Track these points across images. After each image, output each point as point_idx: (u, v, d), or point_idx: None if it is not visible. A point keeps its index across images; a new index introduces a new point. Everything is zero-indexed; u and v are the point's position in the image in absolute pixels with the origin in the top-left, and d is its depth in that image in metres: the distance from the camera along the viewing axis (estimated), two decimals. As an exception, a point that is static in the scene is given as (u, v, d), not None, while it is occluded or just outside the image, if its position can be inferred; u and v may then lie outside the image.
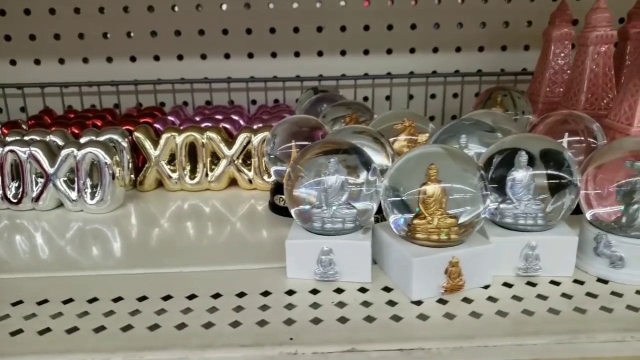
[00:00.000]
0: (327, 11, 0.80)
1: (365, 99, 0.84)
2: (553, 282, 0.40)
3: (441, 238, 0.38)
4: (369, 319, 0.35)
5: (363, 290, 0.39)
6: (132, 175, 0.63)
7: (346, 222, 0.41)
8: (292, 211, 0.41)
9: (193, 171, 0.61)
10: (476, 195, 0.38)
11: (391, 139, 0.53)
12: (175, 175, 0.61)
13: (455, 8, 0.81)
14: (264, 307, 0.37)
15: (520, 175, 0.41)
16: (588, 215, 0.41)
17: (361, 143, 0.46)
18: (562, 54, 0.70)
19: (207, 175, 0.61)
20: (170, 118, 0.70)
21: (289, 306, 0.37)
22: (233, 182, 0.63)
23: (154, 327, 0.35)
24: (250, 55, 0.82)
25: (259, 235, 0.50)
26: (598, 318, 0.35)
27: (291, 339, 0.33)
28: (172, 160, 0.62)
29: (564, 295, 0.38)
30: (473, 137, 0.48)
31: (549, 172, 0.40)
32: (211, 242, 0.49)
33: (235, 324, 0.35)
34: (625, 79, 0.56)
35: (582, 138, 0.52)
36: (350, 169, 0.41)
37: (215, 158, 0.61)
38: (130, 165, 0.62)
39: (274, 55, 0.83)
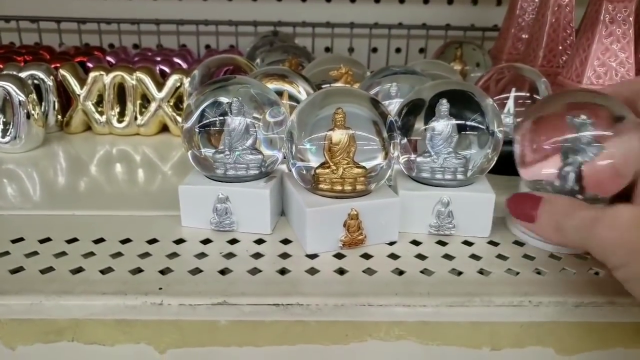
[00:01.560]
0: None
1: (327, 49, 0.80)
2: (466, 242, 0.37)
3: (345, 189, 0.35)
4: (254, 271, 0.33)
5: (260, 241, 0.36)
6: (60, 116, 0.59)
7: (250, 168, 0.38)
8: (189, 154, 0.38)
9: (122, 114, 0.58)
10: (386, 144, 0.35)
11: (325, 87, 0.50)
12: (102, 118, 0.58)
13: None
14: (144, 255, 0.34)
15: (440, 126, 0.38)
16: (521, 173, 0.38)
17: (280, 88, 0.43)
18: (529, 9, 0.66)
19: (136, 118, 0.57)
20: (108, 58, 0.66)
21: (172, 255, 0.34)
22: (166, 128, 0.59)
23: (17, 270, 0.32)
24: (204, -3, 0.77)
25: (174, 182, 0.47)
26: (500, 281, 0.32)
27: (160, 288, 0.30)
28: (100, 102, 0.58)
29: (472, 256, 0.35)
30: (404, 86, 0.45)
31: (465, 122, 0.37)
32: (124, 187, 0.45)
33: (107, 271, 0.32)
34: (579, 33, 0.51)
35: (527, 94, 0.48)
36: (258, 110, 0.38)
37: (146, 101, 0.58)
38: (57, 105, 0.58)
39: (229, -2, 0.78)
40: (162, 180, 0.47)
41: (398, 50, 0.80)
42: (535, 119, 0.36)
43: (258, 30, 0.75)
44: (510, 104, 0.49)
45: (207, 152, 0.37)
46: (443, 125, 0.37)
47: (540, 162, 0.35)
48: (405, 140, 0.38)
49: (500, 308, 0.30)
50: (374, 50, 0.79)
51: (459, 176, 0.38)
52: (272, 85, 0.43)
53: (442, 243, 0.37)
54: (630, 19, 0.47)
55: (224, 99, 0.37)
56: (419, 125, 0.37)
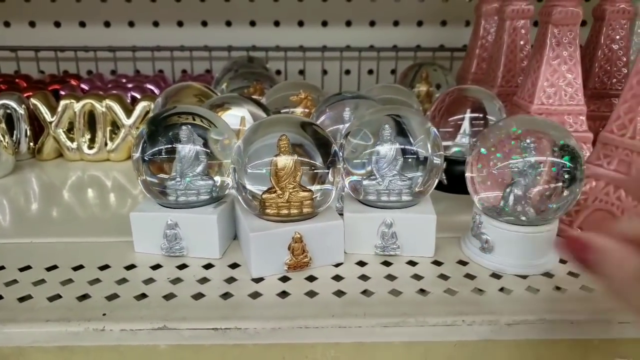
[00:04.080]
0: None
1: (301, 72, 0.81)
2: (410, 262, 0.38)
3: (292, 212, 0.36)
4: (198, 295, 0.33)
5: (209, 266, 0.37)
6: (32, 144, 0.60)
7: (201, 194, 0.39)
8: (140, 181, 0.39)
9: (92, 141, 0.59)
10: (332, 168, 0.36)
11: (284, 111, 0.51)
12: (73, 145, 0.59)
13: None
14: (94, 281, 0.35)
15: (384, 149, 0.39)
16: (472, 196, 0.39)
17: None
18: (492, 30, 0.68)
19: (106, 144, 0.59)
20: (83, 85, 0.68)
21: (121, 281, 0.35)
22: (136, 154, 0.61)
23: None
24: (180, 24, 0.79)
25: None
26: (438, 301, 0.33)
27: (104, 314, 0.31)
28: (71, 129, 0.59)
29: (414, 276, 0.36)
30: (358, 111, 0.46)
31: (404, 147, 0.38)
32: (87, 213, 0.47)
33: (54, 298, 0.33)
34: (530, 55, 0.53)
35: (480, 115, 0.49)
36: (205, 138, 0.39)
37: (116, 128, 0.59)
38: (29, 133, 0.60)
39: (204, 24, 0.80)
40: (131, 204, 0.48)
41: (370, 72, 0.81)
42: (481, 146, 0.37)
43: (232, 55, 0.77)
44: (465, 125, 0.51)
45: (155, 180, 0.38)
46: (387, 149, 0.39)
47: (487, 187, 0.37)
48: (349, 165, 0.39)
49: (434, 328, 0.31)
50: (347, 72, 0.81)
51: (404, 197, 0.39)
52: (226, 112, 0.44)
53: (387, 263, 0.38)
54: (576, 41, 0.48)
55: (173, 128, 0.38)
56: (364, 149, 0.39)
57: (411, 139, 0.38)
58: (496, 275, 0.36)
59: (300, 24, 0.79)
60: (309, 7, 0.78)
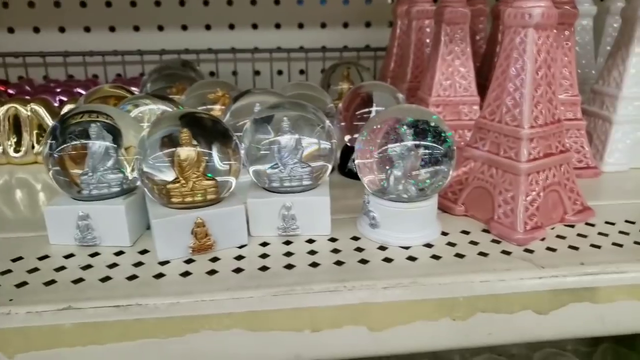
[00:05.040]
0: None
1: (234, 73, 0.84)
2: (309, 241, 0.41)
3: (196, 199, 0.40)
4: (105, 279, 0.36)
5: (119, 253, 0.40)
6: (-41, 149, 0.61)
7: (112, 187, 0.42)
8: (51, 177, 0.41)
9: (19, 144, 0.61)
10: (231, 158, 0.40)
11: (201, 108, 0.54)
12: (-1, 148, 0.60)
13: (318, -17, 0.82)
14: (6, 272, 0.37)
15: (284, 140, 0.43)
16: (362, 179, 0.43)
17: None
18: (405, 29, 0.72)
19: (33, 147, 0.60)
20: (10, 91, 0.69)
21: (33, 270, 0.37)
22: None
23: None
24: (112, 29, 0.81)
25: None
26: (326, 271, 0.37)
27: (11, 300, 0.34)
28: (-2, 133, 0.60)
29: (310, 252, 0.39)
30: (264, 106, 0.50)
31: (301, 137, 0.42)
32: (11, 212, 0.48)
33: (-35, 288, 0.35)
34: (430, 49, 0.58)
35: (380, 109, 0.54)
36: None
37: (43, 131, 0.61)
38: (-45, 138, 0.61)
39: (136, 28, 0.81)
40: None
41: (301, 72, 0.85)
42: (365, 134, 0.41)
43: (164, 58, 0.80)
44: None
45: (65, 175, 0.40)
46: (287, 139, 0.42)
47: (372, 170, 0.41)
48: (253, 155, 0.42)
49: (319, 294, 0.35)
50: (279, 72, 0.85)
51: (305, 182, 0.42)
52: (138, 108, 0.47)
53: (288, 243, 0.41)
54: (467, 38, 0.53)
55: (83, 125, 0.41)
56: (266, 140, 0.42)
57: (309, 130, 0.42)
58: (382, 248, 0.40)
59: (231, 27, 0.82)
60: (239, 11, 0.81)
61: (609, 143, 0.57)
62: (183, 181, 0.39)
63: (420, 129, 0.39)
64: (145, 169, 0.39)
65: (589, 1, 0.65)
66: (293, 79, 0.83)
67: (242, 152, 0.41)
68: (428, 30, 0.63)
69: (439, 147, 0.39)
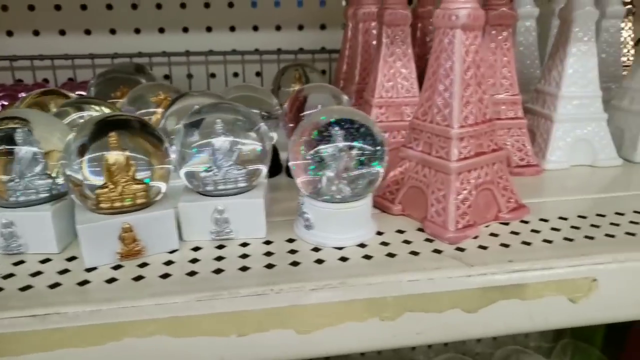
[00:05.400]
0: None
1: (189, 76, 0.84)
2: (243, 244, 0.41)
3: (125, 204, 0.39)
4: (26, 288, 0.35)
5: (46, 260, 0.39)
6: None
7: (40, 193, 0.40)
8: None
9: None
10: (160, 162, 0.39)
11: (143, 111, 0.53)
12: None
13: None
14: None
15: (218, 142, 0.42)
16: (296, 181, 0.43)
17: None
18: (355, 32, 0.73)
19: (-29, 154, 0.59)
20: (-49, 97, 0.67)
21: (-49, 280, 0.36)
22: None
23: None
24: (63, 33, 0.80)
25: None
26: (255, 275, 0.36)
27: None
28: None
29: (243, 255, 0.39)
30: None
31: (236, 139, 0.41)
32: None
33: None
34: (374, 53, 0.58)
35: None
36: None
37: (-17, 137, 0.59)
38: None
39: (87, 32, 0.80)
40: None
41: (258, 74, 0.85)
42: (298, 136, 0.41)
43: (116, 62, 0.78)
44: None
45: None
46: (221, 141, 0.42)
47: (305, 171, 0.41)
48: (186, 158, 0.42)
49: (245, 298, 0.34)
50: (235, 74, 0.84)
51: (240, 184, 0.42)
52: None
53: (222, 247, 0.41)
54: (408, 39, 0.54)
55: (6, 132, 0.40)
56: (199, 143, 0.42)
57: (243, 132, 0.42)
58: (317, 249, 0.40)
59: (185, 30, 0.82)
60: (193, 14, 0.81)
61: (550, 141, 0.58)
62: (112, 186, 0.39)
63: (351, 130, 0.39)
64: (70, 174, 0.38)
65: (531, 3, 0.66)
66: (248, 81, 0.83)
67: (174, 155, 0.41)
68: (374, 32, 0.63)
69: (370, 147, 0.39)
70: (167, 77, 0.82)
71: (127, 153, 0.39)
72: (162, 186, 0.40)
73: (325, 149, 0.39)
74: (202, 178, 0.42)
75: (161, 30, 0.81)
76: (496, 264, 0.38)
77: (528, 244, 0.40)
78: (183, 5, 0.80)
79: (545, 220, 0.44)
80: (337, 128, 0.39)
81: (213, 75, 0.83)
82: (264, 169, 0.42)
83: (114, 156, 0.39)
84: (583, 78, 0.57)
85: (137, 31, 0.81)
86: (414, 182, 0.44)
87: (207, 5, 0.81)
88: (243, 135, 0.42)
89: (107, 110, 0.48)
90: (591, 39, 0.57)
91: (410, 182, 0.44)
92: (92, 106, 0.48)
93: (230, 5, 0.81)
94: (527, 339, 1.08)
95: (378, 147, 0.40)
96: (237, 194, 0.42)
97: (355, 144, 0.39)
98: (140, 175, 0.39)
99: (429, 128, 0.42)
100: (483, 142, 0.42)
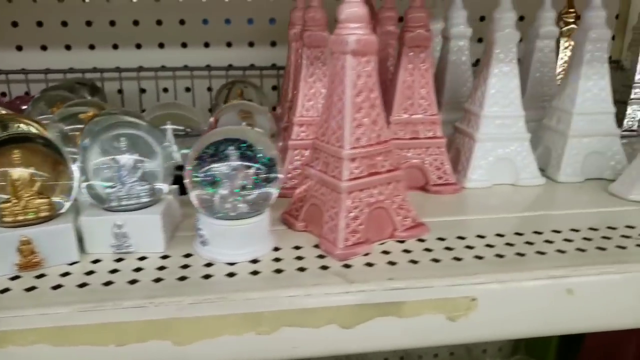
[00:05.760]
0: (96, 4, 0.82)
1: (143, 90, 0.86)
2: (142, 258, 0.43)
3: (28, 218, 0.41)
4: None
5: (-52, 271, 0.41)
6: None
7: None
8: None
9: None
10: (64, 177, 0.41)
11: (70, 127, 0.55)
12: None
13: (223, 4, 0.84)
14: None
15: (123, 159, 0.44)
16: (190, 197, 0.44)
17: None
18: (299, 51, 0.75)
19: None
20: None
21: None
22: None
23: None
24: (20, 48, 0.82)
25: None
26: (141, 287, 0.38)
27: None
28: None
29: (137, 269, 0.41)
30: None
31: (140, 157, 0.43)
32: None
33: None
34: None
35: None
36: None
37: None
38: None
39: (44, 48, 0.83)
40: None
41: (209, 89, 0.87)
42: (192, 154, 0.43)
43: (69, 76, 0.81)
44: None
45: None
46: (125, 158, 0.44)
47: (200, 188, 0.42)
48: (90, 175, 0.44)
49: (126, 310, 0.36)
50: (187, 89, 0.86)
51: (143, 200, 0.44)
52: None
53: (120, 260, 0.42)
54: (326, 60, 0.56)
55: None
56: (102, 161, 0.44)
57: (147, 149, 0.44)
58: (209, 264, 0.42)
59: (138, 46, 0.84)
60: (146, 31, 0.83)
61: (472, 160, 0.60)
62: (15, 200, 0.41)
63: (242, 149, 0.41)
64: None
65: (464, 24, 0.68)
66: (198, 95, 0.85)
67: (77, 171, 0.43)
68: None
69: (259, 166, 0.41)
70: (120, 92, 0.84)
71: (31, 170, 0.41)
72: (65, 201, 0.42)
73: (218, 168, 0.41)
74: (107, 194, 0.44)
75: (115, 47, 0.83)
76: (377, 281, 0.39)
77: (415, 262, 0.42)
78: (136, 23, 0.83)
79: (442, 239, 0.46)
80: (231, 148, 0.41)
81: (165, 90, 0.86)
82: (163, 187, 0.44)
83: (18, 172, 0.41)
84: (505, 98, 0.59)
85: (92, 47, 0.83)
86: (314, 199, 0.46)
87: (159, 22, 0.83)
88: (147, 153, 0.44)
89: (33, 127, 0.50)
90: (512, 60, 0.59)
91: (311, 200, 0.46)
92: (17, 123, 0.50)
93: (182, 22, 0.83)
94: (485, 354, 1.09)
95: (266, 166, 0.41)
96: (140, 209, 0.44)
97: (245, 163, 0.41)
98: (43, 190, 0.41)
99: (326, 148, 0.44)
100: (377, 162, 0.44)
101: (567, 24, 0.81)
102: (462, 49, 0.69)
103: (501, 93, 0.59)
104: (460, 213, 0.53)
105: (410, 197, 0.47)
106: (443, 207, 0.54)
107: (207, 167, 0.41)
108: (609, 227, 0.48)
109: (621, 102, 0.77)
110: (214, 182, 0.41)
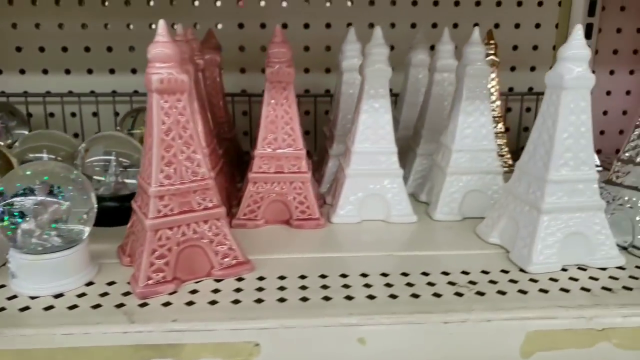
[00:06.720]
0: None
1: (73, 115, 0.89)
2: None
3: None
4: None
5: None
6: None
7: None
8: None
9: None
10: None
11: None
12: None
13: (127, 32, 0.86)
14: None
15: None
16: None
17: None
18: (212, 78, 0.76)
19: None
20: None
21: None
22: None
23: None
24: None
25: None
26: None
27: None
28: None
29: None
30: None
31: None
32: None
33: None
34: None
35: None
36: None
37: None
38: None
39: None
40: None
41: (117, 114, 0.89)
42: None
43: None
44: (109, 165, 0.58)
45: None
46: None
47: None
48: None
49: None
50: (94, 114, 0.87)
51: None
52: None
53: None
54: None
55: None
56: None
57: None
58: (14, 297, 0.42)
59: (67, 72, 0.87)
60: (75, 57, 0.86)
61: (341, 195, 0.59)
62: None
63: (41, 185, 0.42)
64: None
65: (452, 57, 0.67)
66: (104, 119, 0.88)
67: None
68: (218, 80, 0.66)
69: (61, 201, 0.42)
70: (52, 115, 0.88)
71: None
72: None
73: (20, 202, 0.42)
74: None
75: (22, 72, 0.87)
76: (159, 322, 0.39)
77: (214, 303, 0.42)
78: (65, 49, 0.86)
79: (262, 279, 0.45)
80: (39, 182, 0.42)
81: (73, 115, 0.88)
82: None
83: None
84: (375, 134, 0.58)
85: (22, 72, 0.87)
86: (134, 235, 0.46)
87: (87, 49, 0.86)
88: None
89: None
90: (384, 96, 0.58)
91: (132, 236, 0.46)
92: None
93: (87, 49, 0.86)
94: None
95: (65, 201, 0.42)
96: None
97: (50, 198, 0.42)
98: None
99: (142, 185, 0.45)
100: (192, 200, 0.44)
101: (487, 55, 0.80)
102: (441, 82, 0.68)
103: (371, 129, 0.58)
104: (311, 250, 0.52)
105: (274, 231, 0.46)
106: (300, 243, 0.53)
107: (9, 201, 0.42)
108: (443, 273, 0.46)
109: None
110: (13, 216, 0.42)
